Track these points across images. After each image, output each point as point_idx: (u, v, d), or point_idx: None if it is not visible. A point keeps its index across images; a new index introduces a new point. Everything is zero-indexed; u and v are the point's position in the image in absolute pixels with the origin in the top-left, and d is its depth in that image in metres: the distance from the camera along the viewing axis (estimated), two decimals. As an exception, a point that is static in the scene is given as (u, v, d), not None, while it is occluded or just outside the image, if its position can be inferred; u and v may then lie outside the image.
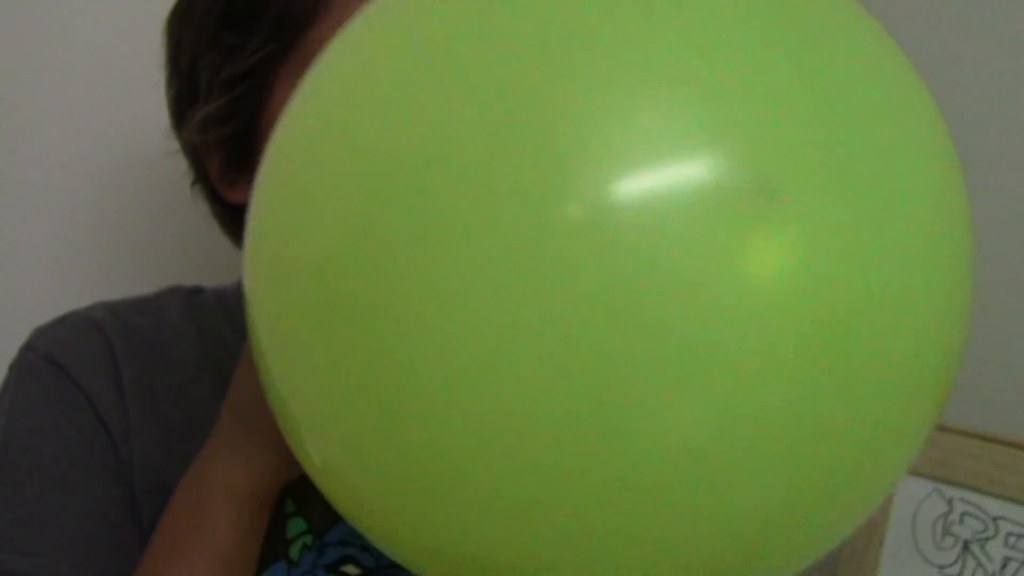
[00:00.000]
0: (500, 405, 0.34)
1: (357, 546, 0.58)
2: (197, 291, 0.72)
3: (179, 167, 0.70)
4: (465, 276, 0.34)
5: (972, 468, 0.82)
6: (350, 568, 0.60)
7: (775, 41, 0.36)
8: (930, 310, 0.38)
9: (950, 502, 0.83)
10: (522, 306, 0.33)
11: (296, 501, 0.60)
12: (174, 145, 0.69)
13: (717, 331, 0.33)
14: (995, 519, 0.81)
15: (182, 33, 0.66)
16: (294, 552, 0.59)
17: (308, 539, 0.60)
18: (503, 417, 0.34)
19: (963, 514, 0.83)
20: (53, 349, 0.64)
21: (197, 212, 0.72)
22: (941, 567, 0.84)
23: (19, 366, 0.65)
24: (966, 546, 0.83)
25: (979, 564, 0.82)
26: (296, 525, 0.59)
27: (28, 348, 0.65)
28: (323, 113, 0.39)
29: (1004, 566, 0.81)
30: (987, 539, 0.82)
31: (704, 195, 0.33)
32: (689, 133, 0.34)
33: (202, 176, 0.68)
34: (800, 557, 0.40)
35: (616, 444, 0.34)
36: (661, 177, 0.33)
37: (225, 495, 0.52)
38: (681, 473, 0.34)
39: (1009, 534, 0.81)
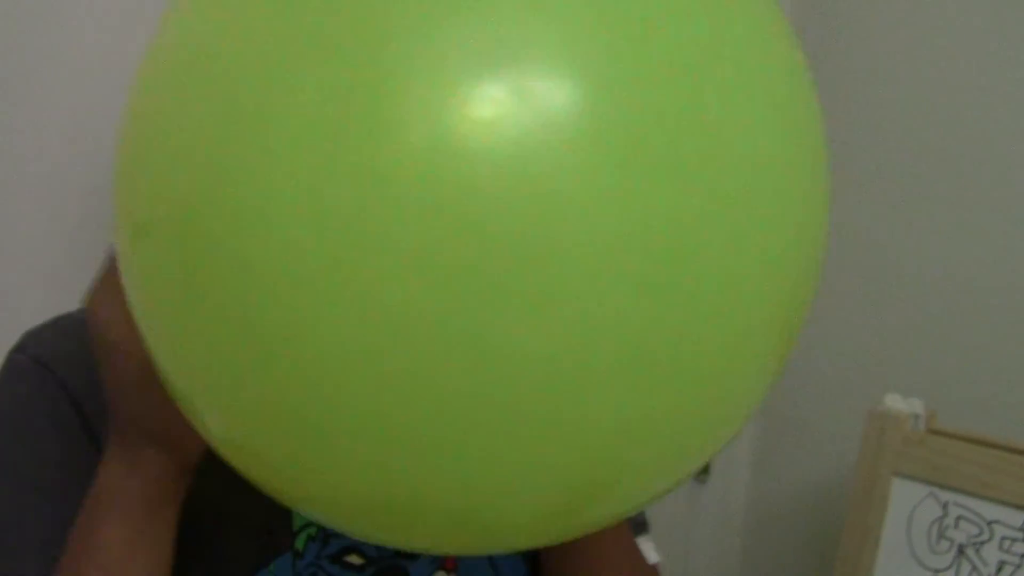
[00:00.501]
0: (359, 318, 0.34)
1: None
2: None
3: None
4: (316, 190, 0.34)
5: (967, 472, 0.83)
6: (353, 558, 0.60)
7: None
8: (773, 228, 0.38)
9: (945, 506, 0.84)
10: (376, 220, 0.33)
11: None
12: None
13: (559, 247, 0.33)
14: (990, 523, 0.82)
15: None
16: (300, 543, 0.59)
17: (313, 530, 0.60)
18: (362, 330, 0.34)
19: (958, 518, 0.83)
20: (41, 351, 0.64)
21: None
22: (936, 571, 0.84)
23: (7, 368, 0.65)
24: (961, 550, 0.83)
25: (974, 568, 0.82)
26: (301, 516, 0.60)
27: (17, 350, 0.65)
28: (172, 65, 0.39)
29: (999, 570, 0.81)
30: (982, 543, 0.82)
31: (534, 121, 0.33)
32: (534, 51, 0.33)
33: None
34: (656, 479, 0.40)
35: (471, 354, 0.34)
36: (498, 97, 0.33)
37: (109, 502, 0.52)
38: (535, 384, 0.34)
39: (1004, 538, 0.81)
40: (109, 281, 0.48)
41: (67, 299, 0.70)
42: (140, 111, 0.40)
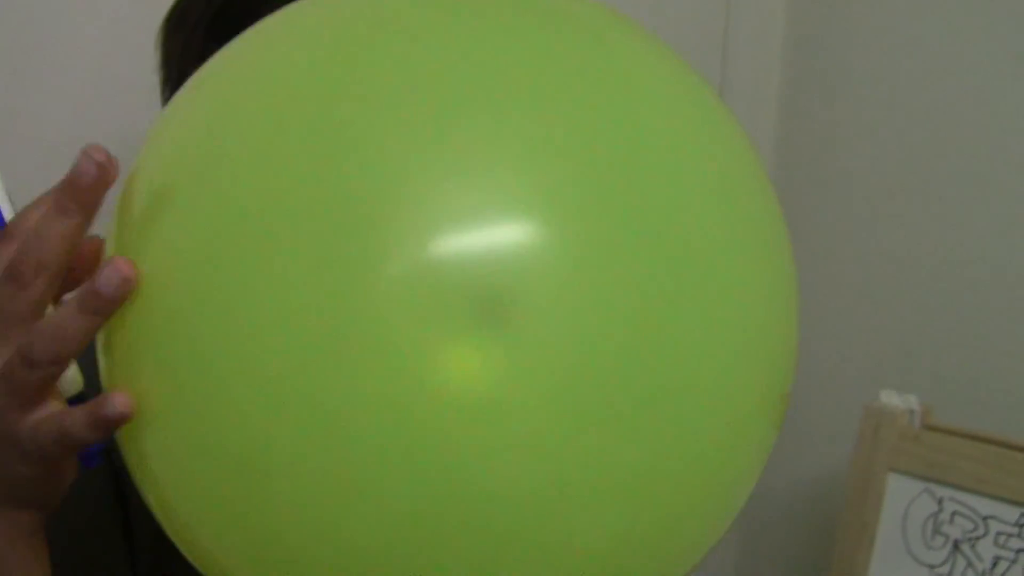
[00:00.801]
0: (338, 469, 0.36)
1: None
2: None
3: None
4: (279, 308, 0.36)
5: (962, 468, 0.83)
6: None
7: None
8: (746, 364, 0.41)
9: (940, 502, 0.84)
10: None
11: None
12: None
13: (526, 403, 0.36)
14: (985, 518, 0.82)
15: (173, 43, 0.66)
16: None
17: None
18: (341, 486, 0.36)
19: (953, 513, 0.83)
20: None
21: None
22: (931, 566, 0.84)
23: None
24: (956, 545, 0.83)
25: (969, 563, 0.82)
26: None
27: None
28: (170, 175, 0.41)
29: (994, 565, 0.81)
30: (977, 538, 0.82)
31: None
32: (505, 195, 0.36)
33: None
34: None
35: (450, 496, 0.36)
36: (480, 237, 0.35)
37: None
38: (517, 518, 0.37)
39: (999, 533, 0.81)
40: None
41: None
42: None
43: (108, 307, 0.41)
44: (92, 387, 0.45)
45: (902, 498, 0.85)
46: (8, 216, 0.46)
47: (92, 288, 0.41)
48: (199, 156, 0.40)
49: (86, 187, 0.41)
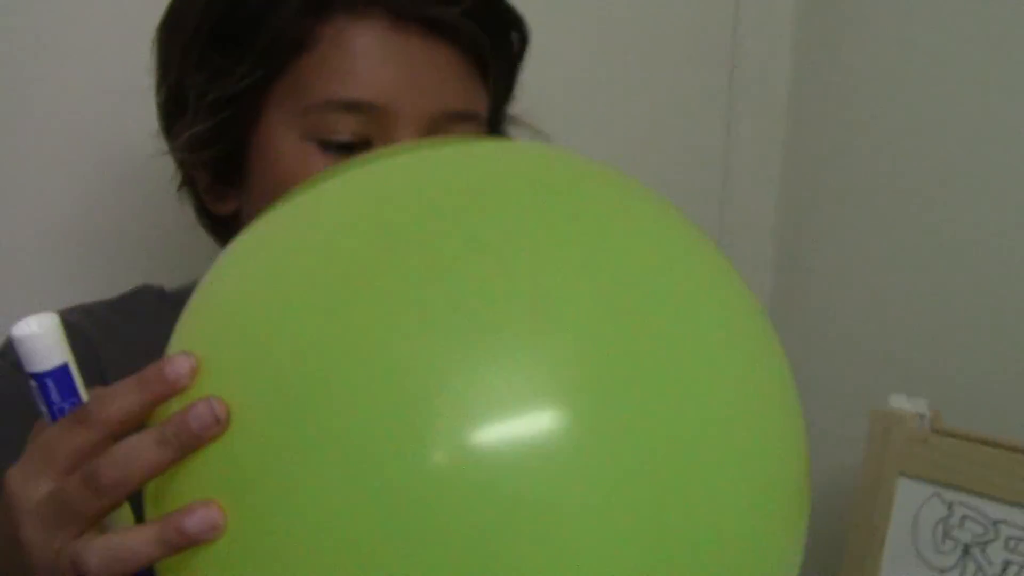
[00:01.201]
0: None
1: None
2: (162, 291, 0.71)
3: (163, 168, 0.70)
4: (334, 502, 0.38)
5: (972, 472, 0.82)
6: None
7: (610, 320, 0.41)
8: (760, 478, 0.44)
9: (950, 506, 0.84)
10: (388, 551, 0.37)
11: None
12: (161, 146, 0.68)
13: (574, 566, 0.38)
14: (995, 523, 0.81)
15: (170, 46, 0.65)
16: None
17: None
18: None
19: (963, 518, 0.83)
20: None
21: (179, 213, 0.72)
22: (942, 571, 0.84)
23: None
24: (966, 550, 0.83)
25: (979, 568, 0.82)
26: None
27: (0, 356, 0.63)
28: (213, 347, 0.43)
29: (1004, 570, 0.81)
30: (987, 543, 0.82)
31: (544, 448, 0.38)
32: (530, 391, 0.39)
33: (190, 184, 0.68)
34: None
35: None
36: (508, 428, 0.38)
37: None
38: None
39: (1009, 538, 0.81)
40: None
41: (49, 298, 0.69)
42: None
43: (193, 444, 0.40)
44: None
45: (912, 502, 0.85)
46: (83, 394, 0.44)
47: (181, 424, 0.40)
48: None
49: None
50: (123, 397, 0.42)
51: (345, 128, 0.58)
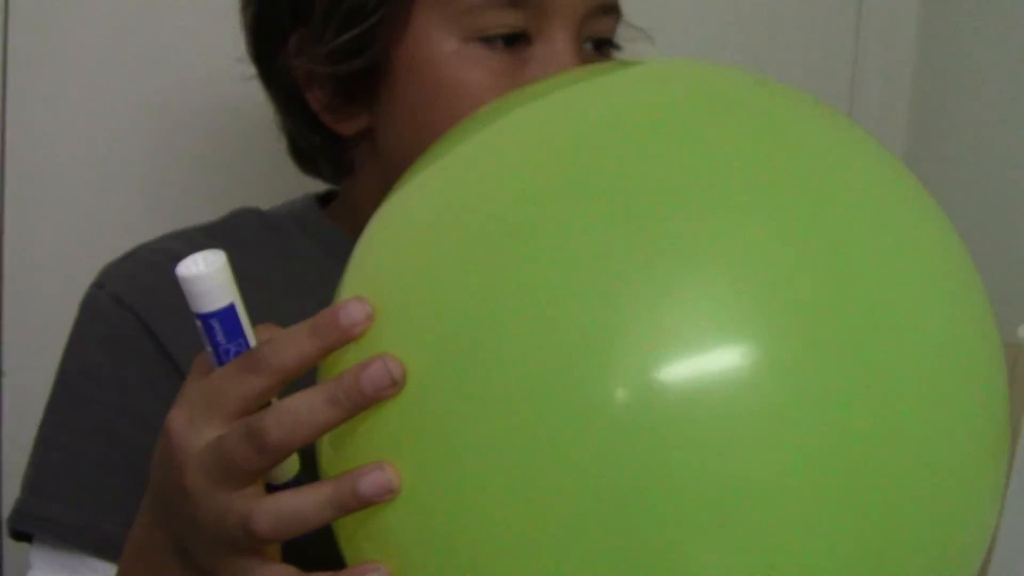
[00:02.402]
0: None
1: None
2: (260, 213, 0.67)
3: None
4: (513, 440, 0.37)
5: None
6: None
7: (801, 247, 0.40)
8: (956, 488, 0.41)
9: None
10: (564, 492, 0.37)
11: None
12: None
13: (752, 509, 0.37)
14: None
15: None
16: None
17: None
18: None
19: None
20: (121, 288, 0.60)
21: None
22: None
23: (86, 304, 0.62)
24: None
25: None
26: None
27: (97, 285, 0.62)
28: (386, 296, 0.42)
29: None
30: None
31: (737, 383, 0.37)
32: (723, 323, 0.37)
33: (296, 106, 0.62)
34: None
35: None
36: (698, 364, 0.37)
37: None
38: None
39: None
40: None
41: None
42: None
43: (365, 405, 0.39)
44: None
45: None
46: (250, 336, 0.42)
47: (354, 384, 0.38)
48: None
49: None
50: (296, 344, 0.40)
51: (506, 24, 0.55)
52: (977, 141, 1.04)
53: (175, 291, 0.56)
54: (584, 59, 0.57)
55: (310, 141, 0.63)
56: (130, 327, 0.59)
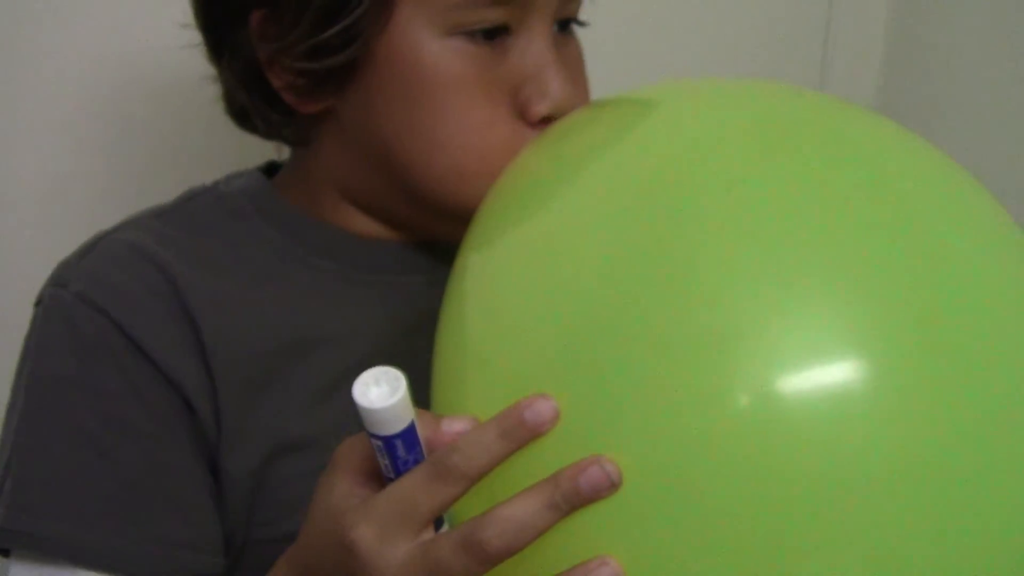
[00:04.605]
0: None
1: None
2: (217, 194, 0.64)
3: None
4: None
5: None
6: None
7: (906, 263, 0.41)
8: None
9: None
10: (693, 492, 0.38)
11: None
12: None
13: (875, 512, 0.38)
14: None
15: None
16: None
17: None
18: None
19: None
20: (86, 287, 0.56)
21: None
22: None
23: (48, 305, 0.58)
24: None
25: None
26: None
27: (57, 285, 0.58)
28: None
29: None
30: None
31: (852, 393, 0.38)
32: (839, 335, 0.39)
33: (253, 83, 0.60)
34: None
35: None
36: (818, 373, 0.38)
37: None
38: None
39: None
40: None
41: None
42: None
43: (581, 504, 0.39)
44: None
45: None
46: (421, 440, 0.42)
47: (572, 489, 0.39)
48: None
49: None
50: (487, 450, 0.41)
51: (489, 19, 0.56)
52: (946, 133, 1.03)
53: (146, 289, 0.54)
54: (555, 42, 0.58)
55: (267, 118, 0.61)
56: (103, 330, 0.56)
